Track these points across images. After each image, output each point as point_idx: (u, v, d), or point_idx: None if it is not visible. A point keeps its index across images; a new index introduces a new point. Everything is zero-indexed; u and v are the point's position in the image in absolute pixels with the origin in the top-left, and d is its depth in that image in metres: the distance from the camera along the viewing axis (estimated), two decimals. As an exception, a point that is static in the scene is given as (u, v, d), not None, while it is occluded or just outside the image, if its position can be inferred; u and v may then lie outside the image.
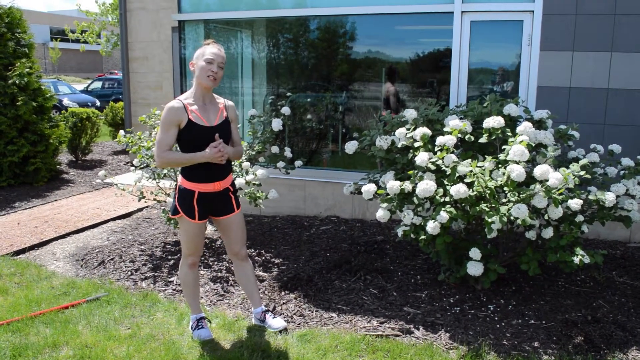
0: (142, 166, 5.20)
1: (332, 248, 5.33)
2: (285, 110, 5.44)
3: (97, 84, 23.23)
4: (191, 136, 3.34)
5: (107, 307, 4.09)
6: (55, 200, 7.46)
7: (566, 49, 5.36)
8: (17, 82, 8.08)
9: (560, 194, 3.53)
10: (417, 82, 6.35)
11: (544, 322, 3.84)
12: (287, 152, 5.45)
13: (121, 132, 5.29)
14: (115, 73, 32.48)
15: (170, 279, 4.64)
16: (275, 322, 3.77)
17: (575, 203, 3.50)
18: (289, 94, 6.77)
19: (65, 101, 18.33)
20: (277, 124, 5.21)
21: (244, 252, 3.72)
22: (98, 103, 19.60)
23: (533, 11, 5.38)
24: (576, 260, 3.59)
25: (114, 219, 6.52)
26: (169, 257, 5.13)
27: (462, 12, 5.60)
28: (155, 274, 4.75)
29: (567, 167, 3.70)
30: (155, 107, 5.77)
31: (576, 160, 4.27)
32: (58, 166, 9.14)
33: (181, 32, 7.15)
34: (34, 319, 3.90)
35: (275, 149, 5.42)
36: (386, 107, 6.37)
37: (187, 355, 3.44)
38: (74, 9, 19.20)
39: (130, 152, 5.28)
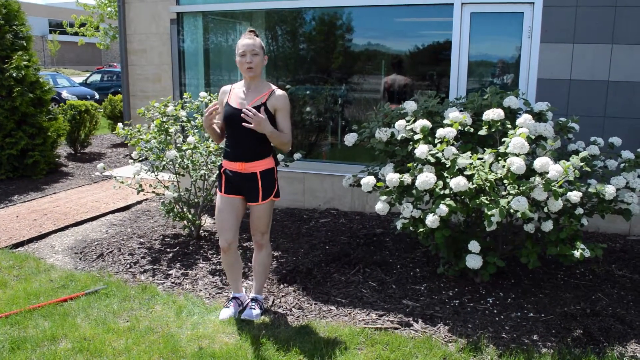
0: (141, 159, 5.18)
1: (331, 241, 5.32)
2: (285, 102, 5.40)
3: (96, 77, 23.16)
4: (223, 114, 3.65)
5: (105, 300, 4.09)
6: (54, 193, 7.44)
7: (566, 41, 5.33)
8: (14, 74, 8.05)
9: (560, 186, 3.51)
10: (416, 75, 6.32)
11: (543, 315, 3.84)
12: (286, 145, 5.43)
13: (120, 124, 5.27)
14: (114, 66, 32.39)
15: (169, 272, 4.63)
16: (246, 311, 3.84)
17: (575, 196, 3.49)
18: (288, 86, 6.74)
19: (64, 94, 18.27)
20: (276, 117, 5.18)
21: (257, 239, 3.84)
22: (97, 96, 19.54)
23: (533, 3, 5.35)
24: (577, 253, 3.57)
25: (112, 212, 6.51)
26: (168, 250, 5.12)
27: (462, 3, 5.57)
28: (154, 267, 4.74)
29: (567, 160, 3.69)
30: (154, 99, 5.74)
31: (576, 152, 4.26)
32: (57, 159, 9.12)
33: (179, 24, 7.11)
34: (33, 312, 3.89)
35: (274, 142, 5.39)
36: (395, 98, 6.33)
37: (186, 348, 3.43)
38: (72, 1, 19.10)
39: (129, 144, 5.26)
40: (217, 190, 3.81)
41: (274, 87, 3.65)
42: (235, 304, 3.91)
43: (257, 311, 3.82)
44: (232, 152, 3.65)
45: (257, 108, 3.54)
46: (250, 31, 3.62)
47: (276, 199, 3.79)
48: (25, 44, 8.61)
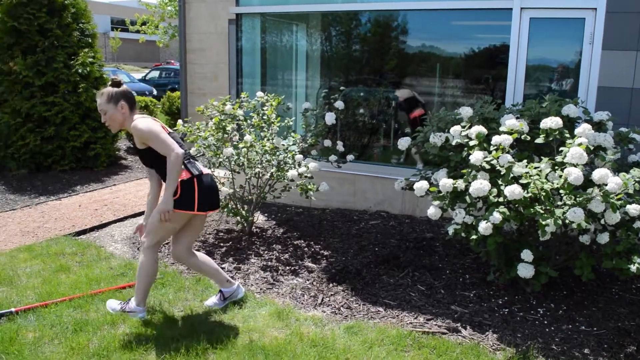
0: (198, 155, 5.35)
1: (380, 243, 5.35)
2: (339, 104, 5.49)
3: (155, 74, 23.80)
4: None
5: (161, 290, 4.26)
6: (114, 184, 7.76)
7: (630, 48, 5.18)
8: (79, 70, 8.42)
9: (619, 199, 3.44)
10: (471, 79, 6.27)
11: (595, 328, 3.76)
12: (339, 146, 5.50)
13: (180, 121, 5.46)
14: (171, 63, 33.25)
15: (222, 266, 4.76)
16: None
17: (634, 209, 3.42)
18: (342, 87, 6.81)
19: (124, 89, 18.85)
20: (330, 118, 5.26)
21: (145, 242, 3.75)
22: (155, 92, 20.12)
23: (596, 9, 5.22)
24: (633, 268, 3.49)
25: (168, 205, 6.73)
26: (221, 244, 5.27)
27: (522, 8, 5.49)
28: (208, 260, 4.89)
29: (627, 172, 3.60)
30: (213, 97, 5.92)
31: (637, 164, 4.15)
32: (117, 152, 9.49)
33: (238, 25, 7.28)
34: (94, 297, 4.10)
35: (327, 143, 5.48)
36: (449, 102, 6.31)
37: (237, 339, 3.55)
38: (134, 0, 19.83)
39: (187, 141, 5.44)
40: None
41: (133, 120, 3.65)
42: (219, 296, 4.03)
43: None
44: None
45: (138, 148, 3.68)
46: (113, 83, 3.73)
47: (177, 210, 3.60)
48: (90, 41, 9.00)
